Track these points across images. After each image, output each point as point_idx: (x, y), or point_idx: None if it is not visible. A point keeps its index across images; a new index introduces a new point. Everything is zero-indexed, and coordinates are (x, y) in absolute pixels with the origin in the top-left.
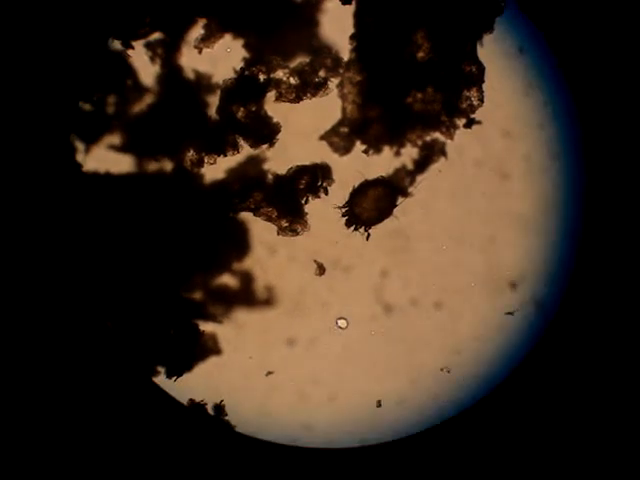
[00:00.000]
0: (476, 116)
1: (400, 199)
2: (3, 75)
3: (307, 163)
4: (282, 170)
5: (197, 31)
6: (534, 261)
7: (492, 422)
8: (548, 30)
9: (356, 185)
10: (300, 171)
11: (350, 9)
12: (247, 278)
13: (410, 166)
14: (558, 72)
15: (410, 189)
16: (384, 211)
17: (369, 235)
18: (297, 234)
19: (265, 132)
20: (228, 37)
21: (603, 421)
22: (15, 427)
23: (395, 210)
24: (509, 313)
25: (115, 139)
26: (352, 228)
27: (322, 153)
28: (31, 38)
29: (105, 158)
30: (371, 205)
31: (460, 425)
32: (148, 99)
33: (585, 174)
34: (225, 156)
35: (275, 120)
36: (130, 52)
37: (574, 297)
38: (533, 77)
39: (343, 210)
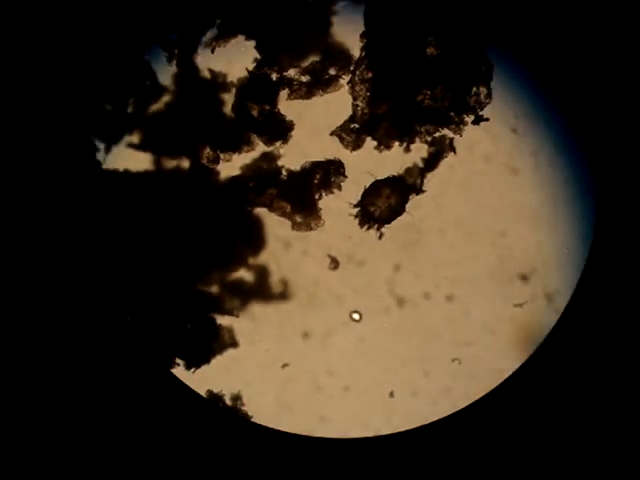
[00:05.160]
0: (484, 113)
1: (411, 195)
2: (24, 75)
3: (320, 159)
4: (296, 166)
5: (211, 31)
6: (544, 254)
7: (504, 414)
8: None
9: (367, 185)
10: (313, 167)
11: (360, 8)
12: (262, 272)
13: (420, 162)
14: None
15: (422, 186)
16: (396, 208)
17: (382, 235)
18: (311, 229)
19: (279, 129)
20: (241, 37)
21: (615, 413)
22: (35, 417)
23: (407, 206)
24: (518, 305)
25: (134, 138)
26: (366, 227)
27: (334, 149)
28: (52, 39)
29: (124, 156)
30: (383, 203)
31: (472, 416)
32: (165, 98)
33: (595, 167)
34: (240, 153)
35: (288, 118)
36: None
37: (585, 290)
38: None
39: (356, 210)
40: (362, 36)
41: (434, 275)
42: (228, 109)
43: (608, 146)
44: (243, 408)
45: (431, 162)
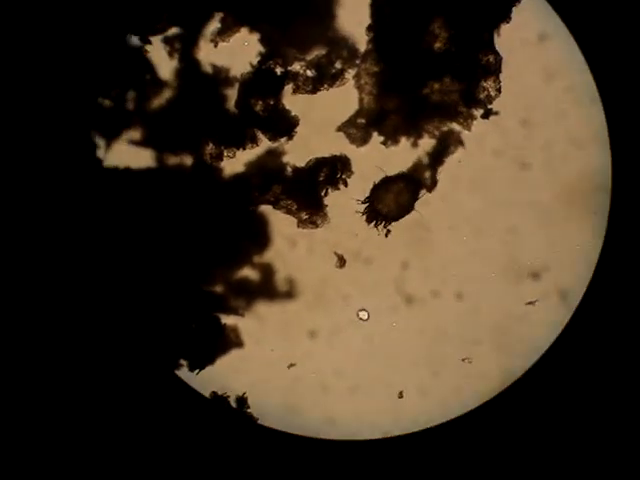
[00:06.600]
0: (494, 106)
1: (422, 192)
2: (23, 72)
3: (326, 155)
4: (301, 163)
5: (214, 25)
6: (556, 251)
7: (514, 414)
8: (568, 16)
9: (377, 181)
10: (319, 163)
11: (366, 0)
12: (268, 271)
13: (429, 158)
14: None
15: (434, 183)
16: (405, 206)
17: (389, 232)
18: (317, 226)
19: (284, 125)
20: (244, 31)
21: (628, 411)
22: (39, 418)
23: (416, 203)
24: (530, 303)
25: (135, 134)
26: (373, 224)
27: (340, 145)
28: (51, 35)
29: (125, 153)
30: (392, 200)
31: (482, 416)
32: (167, 94)
33: (609, 162)
34: (244, 149)
35: (293, 113)
36: (148, 47)
37: (598, 287)
38: (554, 64)
39: (364, 206)
40: (368, 29)
41: (443, 273)
42: (231, 105)
43: (620, 141)
44: (248, 410)
45: (439, 157)
